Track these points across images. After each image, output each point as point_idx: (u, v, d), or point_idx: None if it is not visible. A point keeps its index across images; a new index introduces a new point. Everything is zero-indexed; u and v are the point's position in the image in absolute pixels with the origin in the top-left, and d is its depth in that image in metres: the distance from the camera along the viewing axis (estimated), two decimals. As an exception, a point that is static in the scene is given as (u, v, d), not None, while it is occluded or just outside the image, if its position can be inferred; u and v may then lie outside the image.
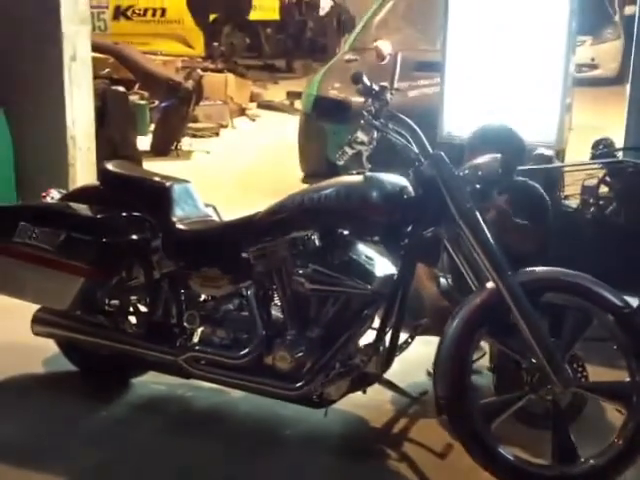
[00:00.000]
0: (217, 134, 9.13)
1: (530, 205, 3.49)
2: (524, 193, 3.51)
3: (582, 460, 2.81)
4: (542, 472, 2.85)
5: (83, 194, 3.55)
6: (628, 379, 2.83)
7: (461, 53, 5.51)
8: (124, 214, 3.30)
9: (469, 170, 2.96)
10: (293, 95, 11.16)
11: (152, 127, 8.31)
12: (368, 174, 3.01)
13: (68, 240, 3.22)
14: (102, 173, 3.49)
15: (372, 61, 5.40)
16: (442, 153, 2.92)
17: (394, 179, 3.03)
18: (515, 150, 3.43)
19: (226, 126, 9.51)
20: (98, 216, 3.29)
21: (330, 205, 2.99)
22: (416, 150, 2.96)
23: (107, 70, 8.31)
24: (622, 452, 2.78)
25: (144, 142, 7.92)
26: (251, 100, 11.09)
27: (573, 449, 2.83)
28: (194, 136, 8.69)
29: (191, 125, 8.72)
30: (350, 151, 3.04)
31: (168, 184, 3.35)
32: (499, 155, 3.03)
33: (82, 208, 3.35)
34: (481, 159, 3.01)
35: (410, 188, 2.98)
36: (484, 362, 3.45)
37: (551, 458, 2.85)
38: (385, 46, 3.04)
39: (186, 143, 8.29)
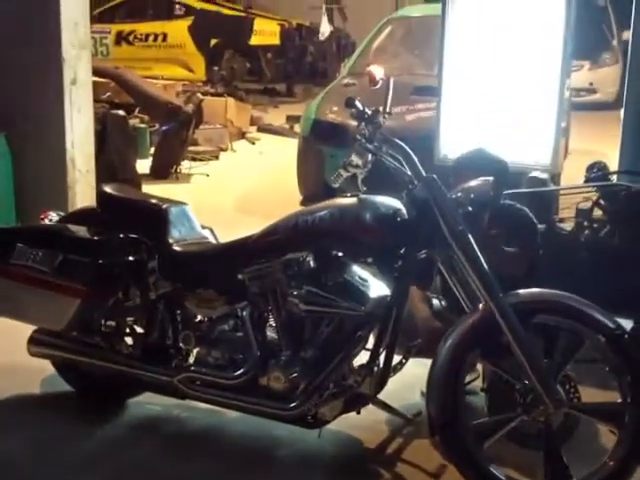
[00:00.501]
0: (217, 157, 9.19)
1: (518, 228, 3.52)
2: (511, 216, 3.53)
3: (575, 480, 2.83)
4: (534, 493, 2.87)
5: (81, 216, 3.59)
6: (620, 400, 2.86)
7: (457, 78, 5.55)
8: (121, 236, 3.34)
9: (461, 193, 2.99)
10: (293, 119, 11.23)
11: (152, 150, 8.38)
12: (362, 196, 3.05)
13: (65, 262, 3.25)
14: (100, 196, 3.53)
15: (369, 86, 5.46)
16: (435, 176, 2.96)
17: (388, 201, 3.06)
18: (498, 174, 3.45)
19: (226, 149, 9.58)
20: (95, 238, 3.33)
21: (324, 227, 3.03)
22: (409, 173, 3.00)
23: (108, 94, 8.40)
24: (614, 473, 2.80)
25: (144, 165, 7.98)
26: (251, 124, 11.17)
27: (565, 470, 2.85)
28: (194, 159, 8.75)
29: (191, 148, 8.77)
30: (345, 174, 3.08)
31: (165, 206, 3.39)
32: (491, 178, 3.07)
33: (79, 230, 3.39)
34: (473, 182, 3.05)
35: (404, 210, 3.02)
36: (478, 383, 3.46)
37: (544, 479, 2.86)
38: (377, 71, 3.08)
39: (186, 166, 8.34)
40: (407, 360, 3.26)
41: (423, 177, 2.97)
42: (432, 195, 2.93)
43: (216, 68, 13.33)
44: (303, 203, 6.91)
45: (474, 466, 2.84)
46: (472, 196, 2.98)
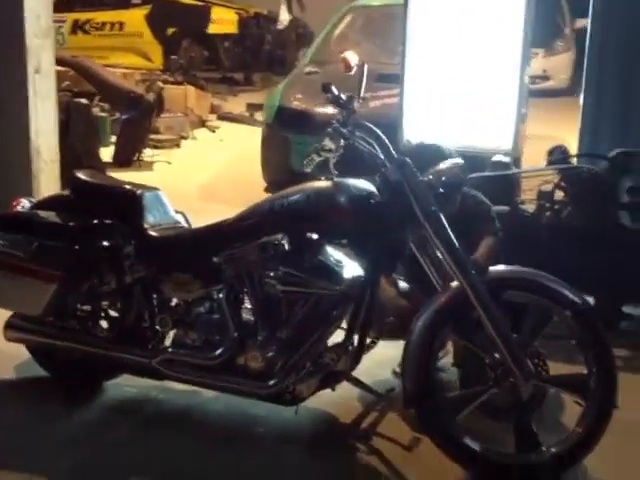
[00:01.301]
0: (178, 145, 9.20)
1: (475, 213, 3.60)
2: (465, 203, 3.60)
3: (544, 449, 2.95)
4: (507, 461, 2.98)
5: (54, 203, 3.60)
6: (585, 372, 2.98)
7: (419, 65, 5.66)
8: (96, 221, 3.36)
9: (432, 175, 3.07)
10: (253, 107, 11.27)
11: (113, 138, 8.36)
12: (336, 179, 3.12)
13: (40, 247, 3.28)
14: (72, 182, 3.54)
15: (333, 73, 5.54)
16: (407, 159, 3.04)
17: (361, 184, 3.14)
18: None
19: (187, 137, 9.58)
20: (70, 223, 3.35)
21: (300, 209, 3.10)
22: (382, 156, 3.08)
23: (66, 83, 8.33)
24: (582, 440, 2.93)
25: (106, 153, 7.96)
26: (211, 112, 11.17)
27: (535, 438, 2.97)
28: (155, 147, 8.74)
29: (152, 136, 8.78)
30: (317, 158, 3.14)
31: (139, 192, 3.42)
32: (461, 161, 3.17)
33: (54, 216, 3.41)
34: (443, 165, 3.14)
35: (376, 193, 3.09)
36: (448, 360, 3.56)
37: (515, 448, 2.98)
38: (352, 57, 3.15)
39: (148, 154, 8.34)
40: (379, 339, 3.34)
41: (395, 160, 3.05)
42: (405, 177, 3.00)
43: (174, 57, 13.26)
44: (267, 190, 6.96)
45: (448, 437, 2.95)
46: (443, 178, 3.06)
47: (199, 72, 14.14)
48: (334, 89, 3.06)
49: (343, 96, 3.07)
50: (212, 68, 15.02)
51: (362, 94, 3.15)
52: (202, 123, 10.45)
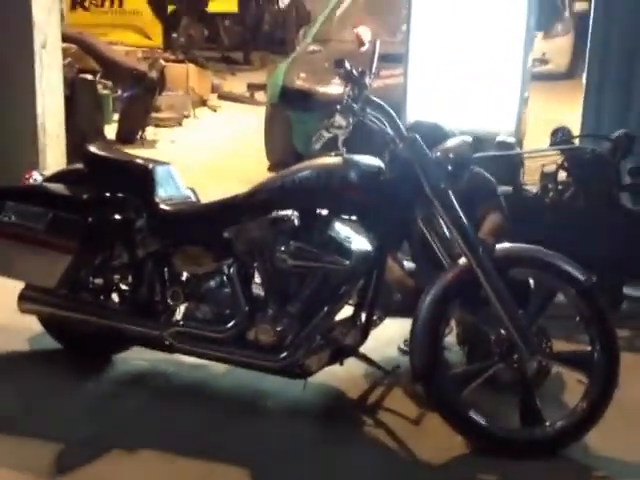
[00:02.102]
0: (180, 124, 9.22)
1: (479, 190, 3.65)
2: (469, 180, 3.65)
3: (549, 423, 3.02)
4: (512, 435, 3.05)
5: (67, 176, 3.64)
6: (589, 348, 3.04)
7: (424, 45, 5.69)
8: (109, 194, 3.41)
9: (441, 153, 3.12)
10: (253, 87, 11.27)
11: (115, 117, 8.38)
12: (346, 156, 3.16)
13: (55, 219, 3.32)
14: (85, 155, 3.57)
15: (336, 52, 5.55)
16: (417, 136, 3.09)
17: (371, 161, 3.19)
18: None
19: (188, 116, 9.60)
20: (84, 196, 3.39)
21: (310, 186, 3.15)
22: (392, 133, 3.12)
23: (68, 60, 8.32)
24: (585, 416, 3.00)
25: (108, 131, 7.98)
26: (211, 91, 11.17)
27: (539, 413, 3.03)
28: (157, 126, 8.77)
29: (154, 115, 8.79)
30: (327, 135, 3.18)
31: (151, 165, 3.47)
32: (469, 138, 3.22)
33: (68, 189, 3.45)
34: (451, 142, 3.18)
35: (386, 169, 3.14)
36: (452, 338, 3.62)
37: (520, 422, 3.04)
38: (365, 33, 3.19)
39: (150, 132, 8.36)
40: (386, 315, 3.40)
41: (405, 137, 3.09)
42: (414, 154, 3.05)
43: (174, 35, 13.24)
44: (271, 169, 7.00)
45: (455, 411, 3.01)
46: (451, 155, 3.10)
47: (198, 51, 14.12)
48: (347, 64, 3.09)
49: (355, 72, 3.10)
50: (212, 47, 15.00)
51: (374, 70, 3.18)
52: (203, 102, 10.45)
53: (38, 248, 3.30)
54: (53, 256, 3.29)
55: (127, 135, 7.95)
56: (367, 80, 3.10)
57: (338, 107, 3.11)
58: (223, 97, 11.18)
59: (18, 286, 3.54)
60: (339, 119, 3.11)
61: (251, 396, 3.42)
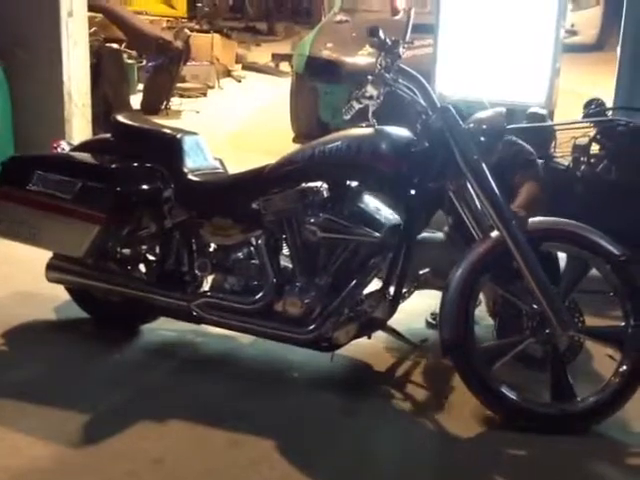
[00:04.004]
0: (204, 94, 9.19)
1: (515, 161, 3.59)
2: (506, 150, 3.59)
3: (580, 399, 2.98)
4: (544, 410, 3.01)
5: (95, 145, 3.63)
6: (623, 323, 3.00)
7: (454, 16, 5.59)
8: (137, 164, 3.39)
9: (473, 124, 3.07)
10: (278, 57, 11.22)
11: (140, 87, 8.35)
12: (377, 127, 3.12)
13: (84, 189, 3.29)
14: (114, 125, 3.55)
15: (363, 22, 5.44)
16: (450, 106, 3.03)
17: (402, 132, 3.14)
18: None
19: (213, 87, 9.56)
20: (112, 166, 3.37)
21: (341, 157, 3.10)
22: (424, 104, 3.07)
23: (94, 29, 8.30)
24: (618, 390, 2.95)
25: (133, 101, 7.96)
26: (236, 62, 11.11)
27: (571, 389, 3.00)
28: (181, 96, 8.75)
29: (179, 85, 8.76)
30: (357, 105, 3.13)
31: (179, 135, 3.44)
32: (503, 109, 3.16)
33: (97, 158, 3.43)
34: (485, 113, 3.13)
35: (417, 140, 3.09)
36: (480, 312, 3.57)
37: (550, 398, 3.01)
38: (400, 0, 3.12)
39: (175, 103, 8.34)
40: (416, 288, 3.37)
41: (438, 107, 3.04)
42: (447, 125, 3.00)
43: (199, 4, 13.17)
44: (296, 140, 6.96)
45: (485, 386, 2.98)
46: (484, 127, 3.05)
47: (222, 21, 14.07)
48: (381, 33, 3.03)
49: (389, 40, 3.04)
50: (236, 17, 14.92)
51: (408, 39, 3.12)
52: (228, 72, 10.41)
53: (66, 218, 3.28)
54: (81, 226, 3.27)
55: (152, 105, 7.93)
56: (400, 50, 3.05)
57: (370, 77, 3.07)
58: (247, 67, 11.12)
59: (46, 255, 3.53)
60: (370, 89, 3.07)
61: (278, 367, 3.40)
